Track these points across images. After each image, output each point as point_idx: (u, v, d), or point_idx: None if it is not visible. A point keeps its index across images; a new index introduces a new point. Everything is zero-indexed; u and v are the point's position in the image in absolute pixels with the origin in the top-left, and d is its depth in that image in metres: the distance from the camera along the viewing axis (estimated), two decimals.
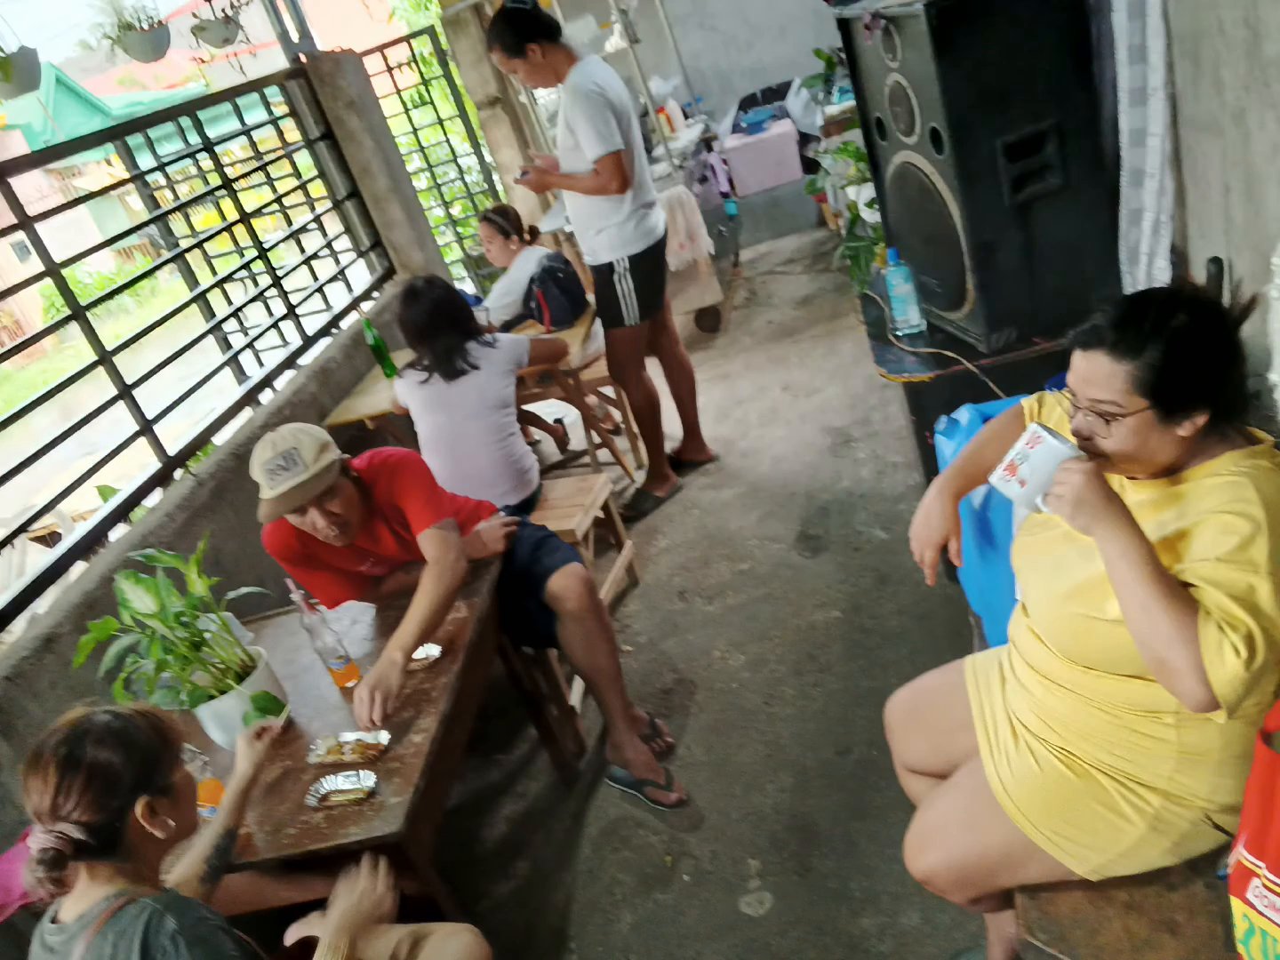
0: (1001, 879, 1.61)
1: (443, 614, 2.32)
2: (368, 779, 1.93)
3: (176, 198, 4.38)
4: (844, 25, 2.63)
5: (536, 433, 4.91)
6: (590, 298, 3.99)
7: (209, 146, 3.84)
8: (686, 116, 6.17)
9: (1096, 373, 1.38)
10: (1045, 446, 1.41)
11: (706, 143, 6.13)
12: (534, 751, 2.97)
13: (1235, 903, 1.27)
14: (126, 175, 3.90)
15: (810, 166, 4.98)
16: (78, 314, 2.94)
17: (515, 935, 2.44)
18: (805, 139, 5.78)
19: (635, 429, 4.23)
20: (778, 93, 6.27)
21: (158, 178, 4.17)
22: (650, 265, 3.75)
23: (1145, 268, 2.25)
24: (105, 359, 2.98)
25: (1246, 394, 1.44)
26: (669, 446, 4.23)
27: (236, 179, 4.11)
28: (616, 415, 4.62)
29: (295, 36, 4.58)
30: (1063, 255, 2.44)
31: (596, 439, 4.12)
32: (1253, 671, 1.22)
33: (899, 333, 2.80)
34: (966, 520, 2.09)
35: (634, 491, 4.15)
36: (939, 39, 2.17)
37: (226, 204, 4.21)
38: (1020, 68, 2.27)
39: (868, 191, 3.50)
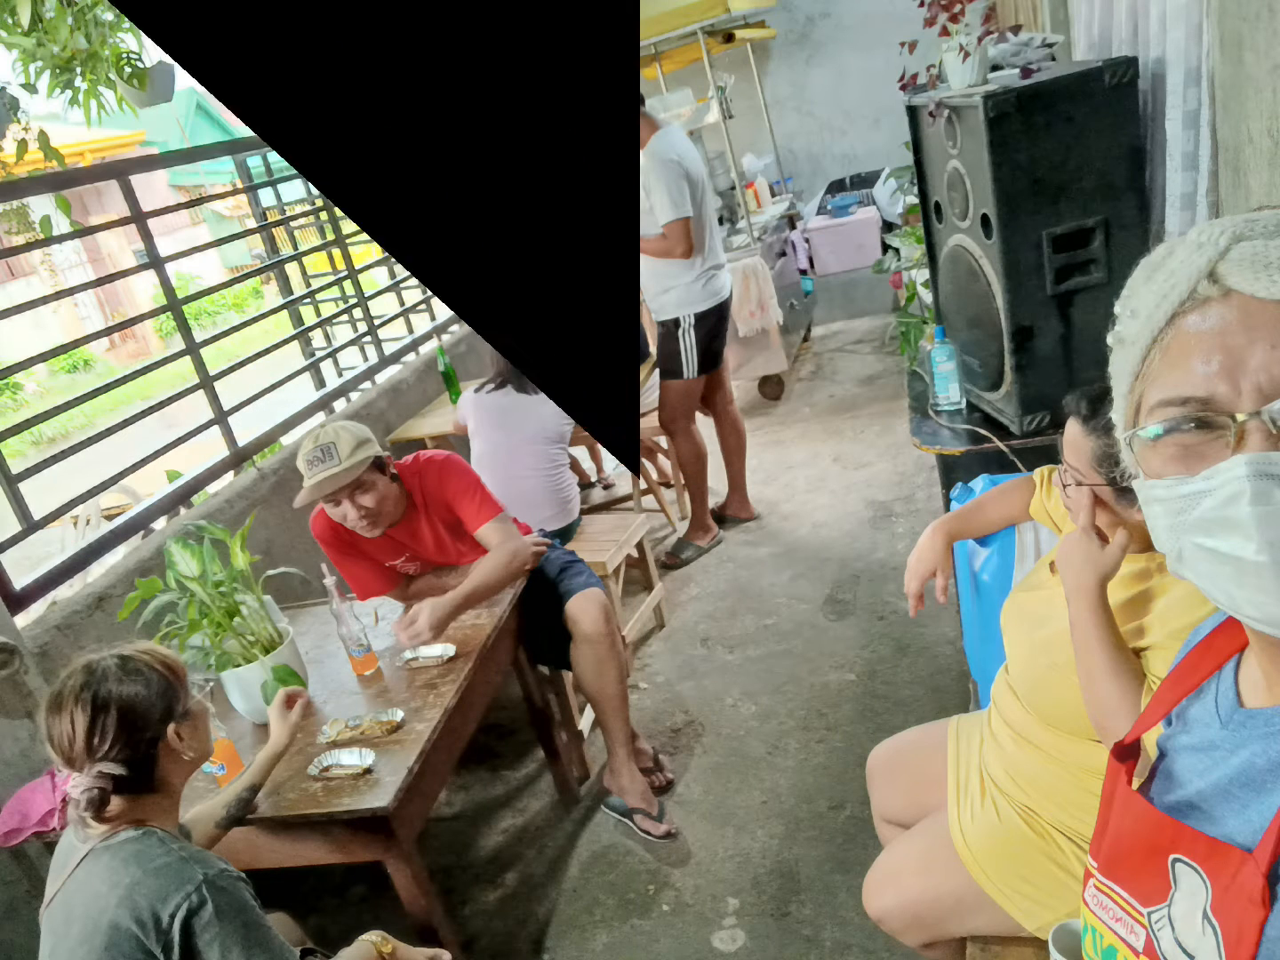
0: (952, 926, 1.64)
1: (496, 589, 2.53)
2: (368, 757, 2.03)
3: (285, 216, 4.67)
4: (912, 112, 2.76)
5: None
6: (652, 349, 4.14)
7: None
8: (774, 194, 6.36)
9: (1072, 439, 1.46)
10: None
11: (790, 220, 6.30)
12: (539, 771, 3.04)
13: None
14: (248, 205, 4.19)
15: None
16: (173, 306, 3.17)
17: (495, 940, 2.50)
18: (889, 227, 5.93)
19: (681, 480, 4.35)
20: (867, 180, 6.43)
21: (272, 202, 4.47)
22: (713, 323, 3.89)
23: None
24: (193, 350, 3.20)
25: None
26: (712, 501, 4.33)
27: None
28: (667, 468, 4.73)
29: None
30: (1099, 347, 2.46)
31: (642, 485, 4.23)
32: None
33: (939, 408, 2.86)
34: (970, 590, 2.14)
35: (675, 540, 4.24)
36: (994, 129, 2.27)
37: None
38: (1073, 164, 2.34)
39: (927, 273, 3.58)
